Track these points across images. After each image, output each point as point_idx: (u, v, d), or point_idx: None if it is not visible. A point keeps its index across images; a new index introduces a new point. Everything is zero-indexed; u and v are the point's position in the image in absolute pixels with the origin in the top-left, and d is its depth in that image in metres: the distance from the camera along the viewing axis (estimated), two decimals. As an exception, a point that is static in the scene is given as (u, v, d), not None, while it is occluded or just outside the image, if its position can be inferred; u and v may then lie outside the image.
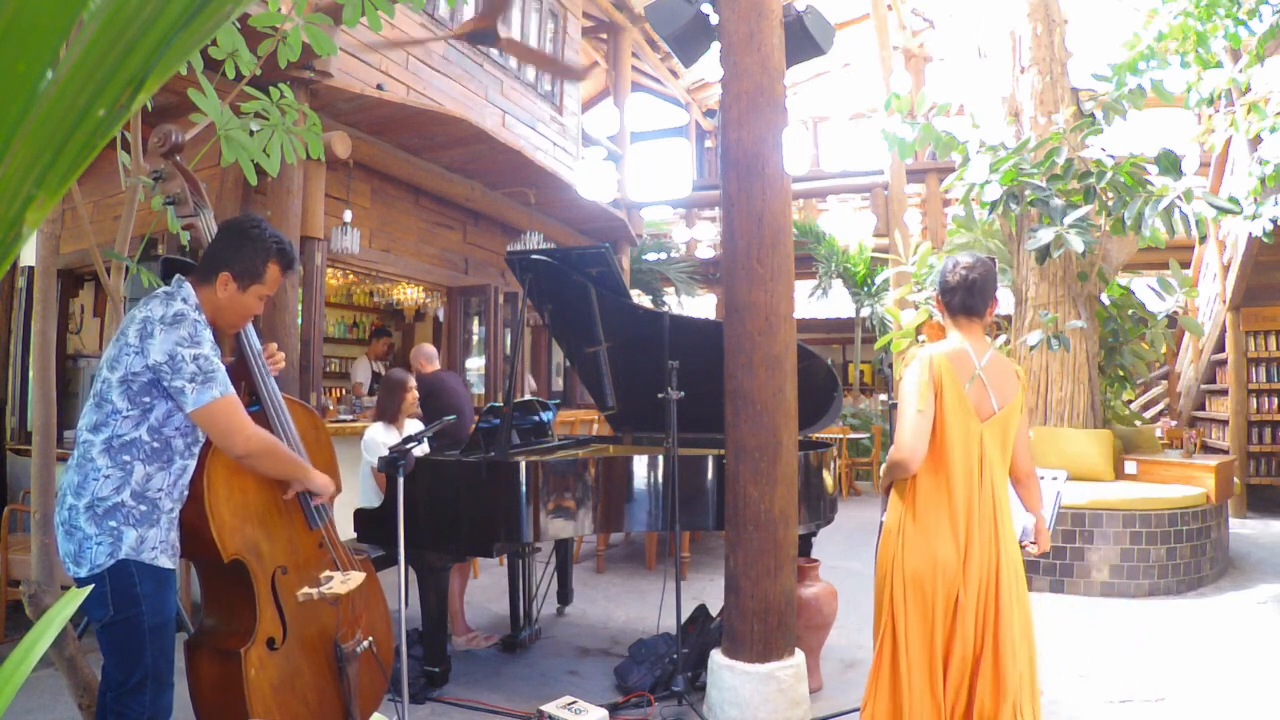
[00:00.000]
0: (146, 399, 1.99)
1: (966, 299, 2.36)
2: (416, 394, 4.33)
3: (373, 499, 4.00)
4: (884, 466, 2.40)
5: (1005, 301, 8.60)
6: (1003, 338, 6.41)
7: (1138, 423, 7.22)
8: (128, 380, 1.97)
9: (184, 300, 2.05)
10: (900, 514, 2.32)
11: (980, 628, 2.18)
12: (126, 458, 1.98)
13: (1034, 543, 2.49)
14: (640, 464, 3.58)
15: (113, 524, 1.96)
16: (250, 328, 2.37)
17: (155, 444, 2.02)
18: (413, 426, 4.28)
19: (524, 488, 3.34)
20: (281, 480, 2.30)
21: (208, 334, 2.05)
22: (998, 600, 2.18)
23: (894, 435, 2.36)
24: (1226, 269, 8.09)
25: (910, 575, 2.23)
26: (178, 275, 2.15)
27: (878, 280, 11.19)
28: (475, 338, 8.54)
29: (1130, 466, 5.94)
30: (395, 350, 9.96)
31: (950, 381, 2.26)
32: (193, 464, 2.12)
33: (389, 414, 4.22)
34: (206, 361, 2.00)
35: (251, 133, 2.53)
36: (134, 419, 1.99)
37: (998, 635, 2.17)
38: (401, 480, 2.69)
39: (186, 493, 2.12)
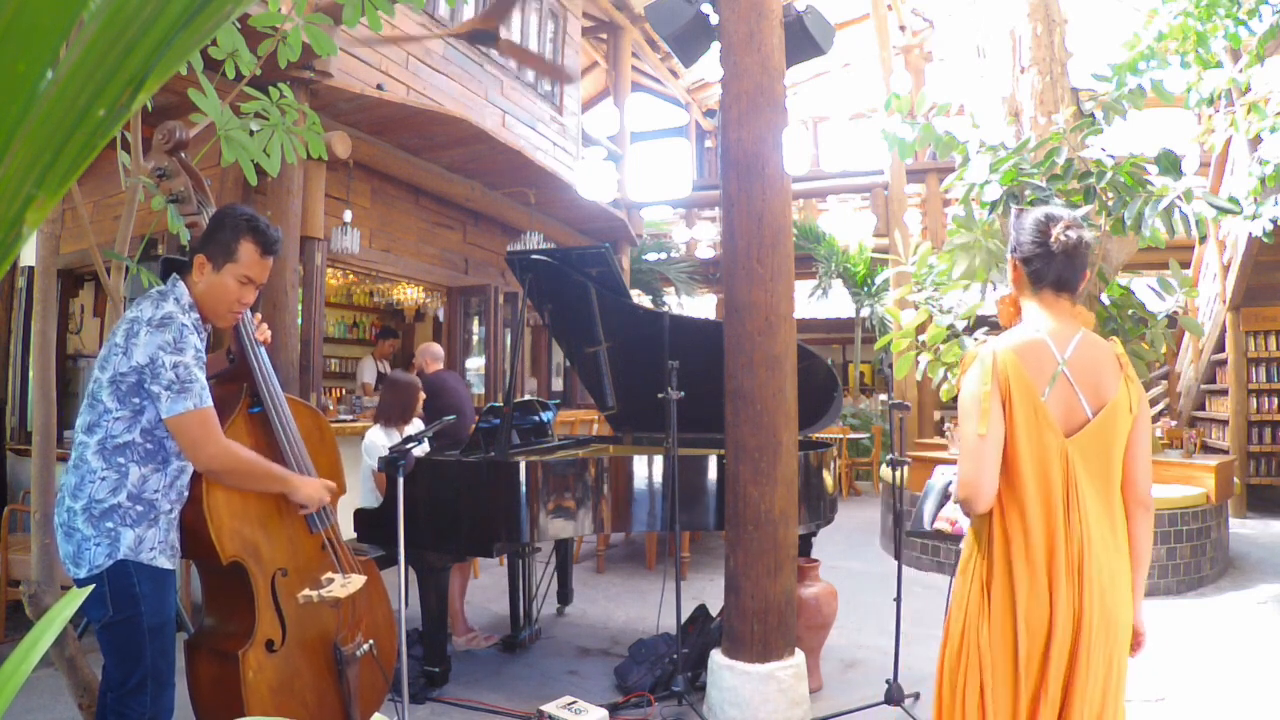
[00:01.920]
0: (136, 400, 1.98)
1: (1065, 269, 1.80)
2: (423, 396, 4.35)
3: (371, 502, 4.00)
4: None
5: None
6: None
7: (1138, 423, 7.20)
8: (116, 381, 1.97)
9: (175, 300, 2.03)
10: (974, 557, 1.80)
11: (1050, 697, 1.68)
12: (121, 460, 1.98)
13: None
14: (640, 464, 3.58)
15: (109, 525, 1.96)
16: (252, 329, 2.36)
17: (149, 445, 2.01)
18: (412, 426, 4.28)
19: (524, 488, 3.33)
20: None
21: (194, 340, 2.02)
22: (1072, 669, 1.67)
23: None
24: (1226, 269, 8.09)
25: (994, 636, 1.72)
26: (174, 274, 2.13)
27: (878, 280, 11.19)
28: (475, 338, 8.54)
29: (1130, 466, 5.92)
30: (398, 350, 9.97)
31: (1021, 388, 1.70)
32: (189, 465, 2.11)
33: (402, 416, 4.21)
34: (185, 370, 1.97)
35: (251, 133, 2.53)
36: (126, 420, 1.98)
37: (1068, 709, 1.67)
38: (401, 480, 2.69)
39: (186, 493, 2.12)
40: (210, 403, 2.04)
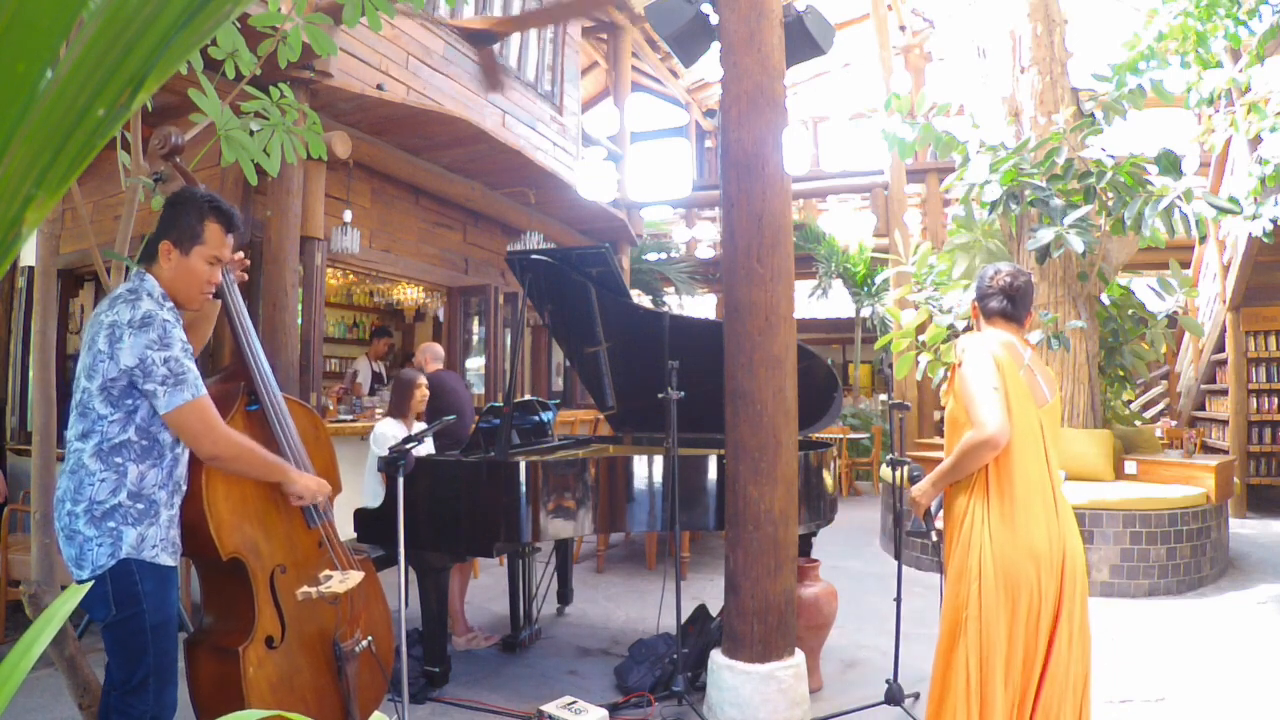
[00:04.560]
0: (129, 401, 1.98)
1: (1006, 305, 2.38)
2: (425, 392, 4.41)
3: (378, 491, 4.02)
4: (943, 469, 2.26)
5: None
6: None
7: (1138, 423, 7.22)
8: (107, 387, 1.96)
9: (149, 295, 2.01)
10: (975, 506, 2.20)
11: (1053, 626, 2.12)
12: (118, 459, 1.98)
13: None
14: (640, 464, 3.58)
15: (111, 525, 1.96)
16: (249, 326, 2.36)
17: (145, 443, 2.01)
18: (413, 426, 4.30)
19: (524, 488, 3.34)
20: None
21: (179, 333, 2.02)
22: (1064, 597, 2.12)
23: (971, 416, 2.19)
24: (1226, 269, 8.09)
25: (1004, 572, 2.11)
26: (138, 268, 2.10)
27: (878, 280, 11.18)
28: (475, 338, 8.54)
29: (1130, 466, 5.94)
30: (396, 350, 9.96)
31: (1009, 368, 2.21)
32: (184, 453, 2.11)
33: (399, 409, 4.35)
34: (177, 364, 1.98)
35: (251, 133, 2.53)
36: (120, 422, 1.98)
37: (1068, 634, 2.11)
38: (401, 480, 2.70)
39: (184, 485, 2.12)
40: (205, 391, 2.04)
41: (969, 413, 2.16)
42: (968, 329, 5.80)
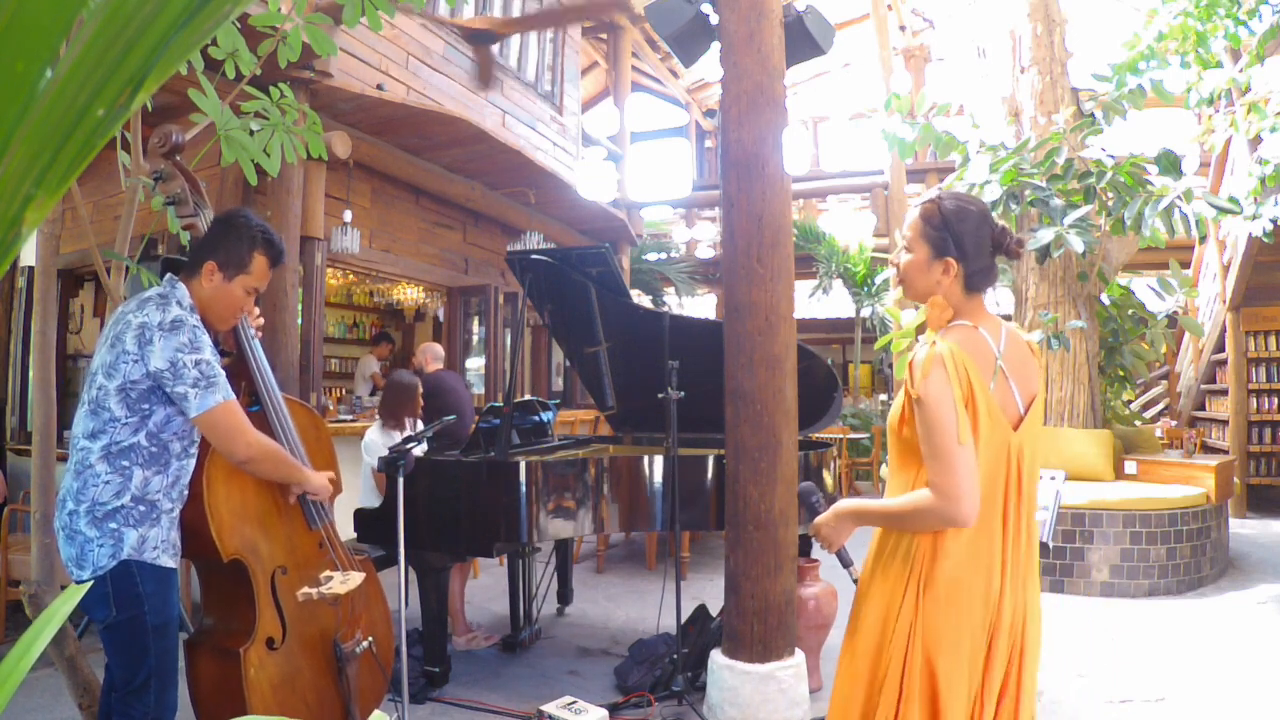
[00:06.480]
0: (145, 405, 1.98)
1: (993, 273, 1.81)
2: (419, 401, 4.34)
3: (373, 500, 4.00)
4: (883, 509, 1.77)
5: (1005, 301, 8.59)
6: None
7: (1138, 423, 7.22)
8: (126, 389, 1.96)
9: (179, 303, 2.03)
10: (908, 569, 1.68)
11: (979, 696, 1.65)
12: (125, 463, 1.98)
13: None
14: (640, 464, 3.58)
15: (113, 526, 1.96)
16: (250, 328, 2.36)
17: (154, 448, 2.01)
18: (412, 427, 4.29)
19: (524, 488, 3.33)
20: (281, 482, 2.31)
21: (206, 338, 2.04)
22: (1023, 659, 1.67)
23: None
24: (1226, 269, 8.09)
25: (947, 645, 1.61)
26: (169, 275, 2.12)
27: (878, 280, 11.18)
28: (475, 338, 8.54)
29: (1130, 466, 5.93)
30: (396, 352, 10.00)
31: (978, 386, 1.64)
32: (190, 464, 2.12)
33: (393, 416, 4.23)
34: (209, 366, 2.00)
35: (251, 133, 2.53)
36: (133, 425, 1.98)
37: (1018, 699, 1.65)
38: (401, 480, 2.69)
39: (186, 492, 2.12)
40: (234, 395, 2.06)
41: (930, 469, 1.62)
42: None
